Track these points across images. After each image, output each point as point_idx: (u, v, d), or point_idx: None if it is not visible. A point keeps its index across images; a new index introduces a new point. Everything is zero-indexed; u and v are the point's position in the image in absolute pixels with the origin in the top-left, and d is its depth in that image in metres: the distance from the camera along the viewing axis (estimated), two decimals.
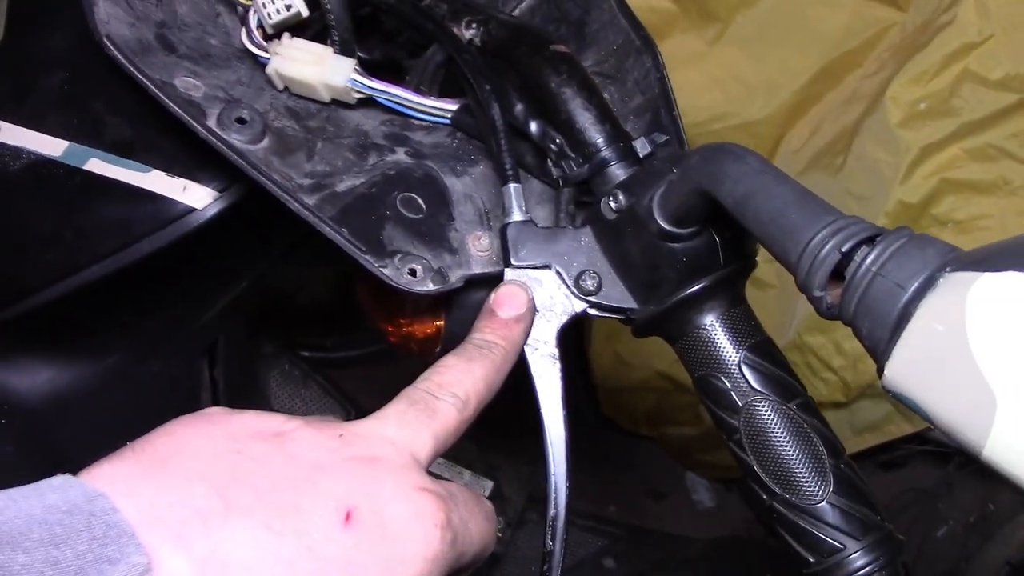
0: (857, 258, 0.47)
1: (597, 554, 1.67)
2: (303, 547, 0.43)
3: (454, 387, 0.56)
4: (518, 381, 0.66)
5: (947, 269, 0.43)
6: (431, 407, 0.54)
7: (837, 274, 0.48)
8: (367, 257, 0.65)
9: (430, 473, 0.52)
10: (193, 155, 0.74)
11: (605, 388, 2.07)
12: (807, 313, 1.69)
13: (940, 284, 0.43)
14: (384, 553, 0.44)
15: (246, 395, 1.44)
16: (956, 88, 1.59)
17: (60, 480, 0.41)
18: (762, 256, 1.96)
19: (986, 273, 0.41)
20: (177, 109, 0.67)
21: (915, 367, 0.44)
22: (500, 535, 1.54)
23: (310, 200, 0.67)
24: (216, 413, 0.49)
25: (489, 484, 1.53)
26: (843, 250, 0.48)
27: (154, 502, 0.41)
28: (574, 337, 2.13)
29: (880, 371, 0.45)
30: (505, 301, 0.65)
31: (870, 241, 0.47)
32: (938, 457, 2.06)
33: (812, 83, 1.75)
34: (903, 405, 0.45)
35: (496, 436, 1.50)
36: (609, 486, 2.09)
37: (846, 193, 1.64)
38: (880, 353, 0.45)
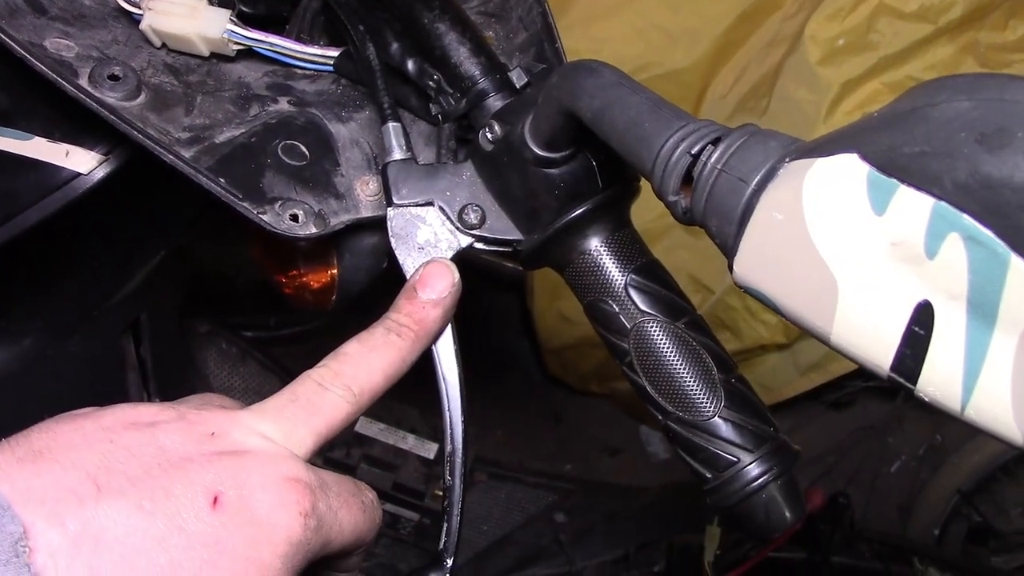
0: (703, 157, 0.47)
1: (548, 509, 1.67)
2: (174, 525, 0.45)
3: (348, 379, 0.57)
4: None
5: (787, 160, 0.43)
6: (314, 403, 0.55)
7: (689, 177, 0.48)
8: (244, 204, 0.64)
9: (328, 461, 0.53)
10: (75, 119, 0.72)
11: (551, 348, 2.08)
12: None
13: (780, 175, 0.43)
14: (249, 534, 0.47)
15: (180, 374, 1.43)
16: (873, 22, 1.60)
17: None
18: None
19: (819, 159, 0.41)
20: (45, 69, 0.65)
21: (760, 259, 0.44)
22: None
23: (187, 153, 0.66)
24: (89, 410, 0.51)
25: (434, 447, 1.53)
26: (692, 152, 0.47)
27: (30, 484, 0.43)
28: (517, 298, 2.13)
29: (730, 267, 0.46)
30: (428, 281, 0.63)
31: (718, 141, 0.47)
32: (885, 392, 2.09)
33: (733, 28, 1.75)
34: (756, 300, 0.45)
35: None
36: (564, 446, 2.09)
37: None
38: (729, 249, 0.45)
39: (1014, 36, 1.64)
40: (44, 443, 0.46)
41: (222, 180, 0.65)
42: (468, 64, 0.68)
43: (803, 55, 1.62)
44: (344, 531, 0.52)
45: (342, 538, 0.52)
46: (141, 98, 0.68)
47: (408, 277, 0.65)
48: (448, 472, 0.64)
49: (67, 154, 0.73)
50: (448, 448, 0.64)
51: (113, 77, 0.67)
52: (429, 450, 1.53)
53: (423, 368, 0.65)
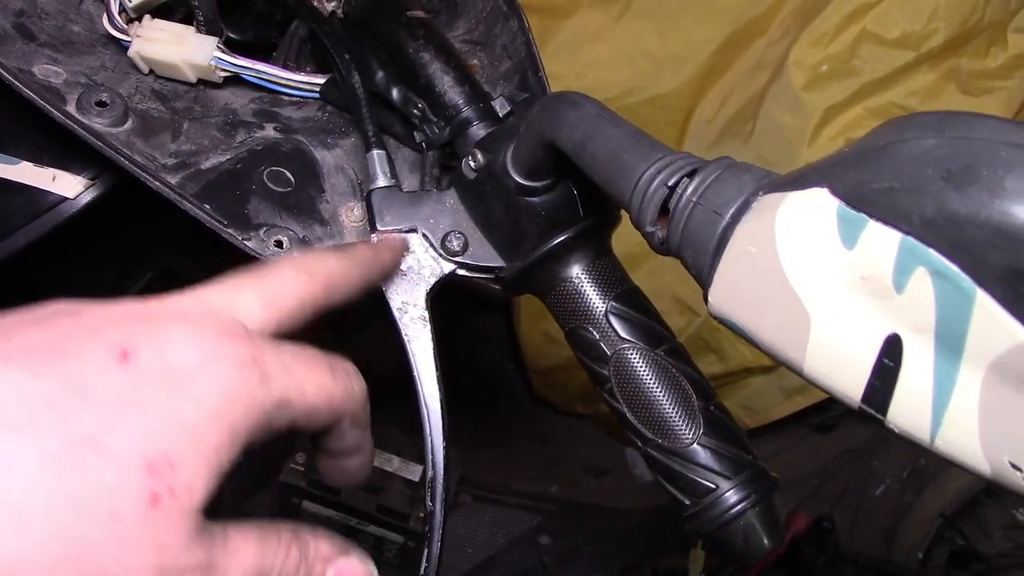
0: (679, 190, 0.47)
1: (532, 531, 1.67)
2: (67, 387, 0.39)
3: (301, 262, 0.51)
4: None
5: (760, 193, 0.44)
6: (261, 271, 0.49)
7: (666, 209, 0.49)
8: (229, 231, 0.65)
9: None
10: (62, 144, 0.73)
11: (537, 369, 2.08)
12: None
13: (753, 208, 0.44)
14: (167, 391, 0.40)
15: None
16: (856, 49, 1.62)
17: None
18: None
19: (792, 192, 0.42)
20: (33, 95, 0.66)
21: (734, 291, 0.45)
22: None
23: (173, 179, 0.67)
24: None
25: (419, 469, 1.52)
26: (669, 184, 0.48)
27: None
28: (504, 319, 2.14)
29: (705, 298, 0.46)
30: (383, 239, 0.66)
31: (694, 174, 0.48)
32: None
33: (719, 53, 1.77)
34: (731, 331, 0.46)
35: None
36: (549, 467, 2.09)
37: (757, 159, 1.66)
38: (704, 280, 0.46)
39: (995, 63, 1.66)
40: None
41: (207, 206, 0.65)
42: (452, 93, 0.69)
43: (787, 80, 1.64)
44: (306, 391, 0.45)
45: (305, 399, 0.45)
46: (128, 124, 0.69)
47: (391, 302, 0.65)
48: (429, 497, 0.64)
49: (54, 179, 0.73)
50: (430, 473, 0.64)
51: (100, 103, 0.68)
52: (414, 472, 1.53)
53: (407, 389, 0.65)
